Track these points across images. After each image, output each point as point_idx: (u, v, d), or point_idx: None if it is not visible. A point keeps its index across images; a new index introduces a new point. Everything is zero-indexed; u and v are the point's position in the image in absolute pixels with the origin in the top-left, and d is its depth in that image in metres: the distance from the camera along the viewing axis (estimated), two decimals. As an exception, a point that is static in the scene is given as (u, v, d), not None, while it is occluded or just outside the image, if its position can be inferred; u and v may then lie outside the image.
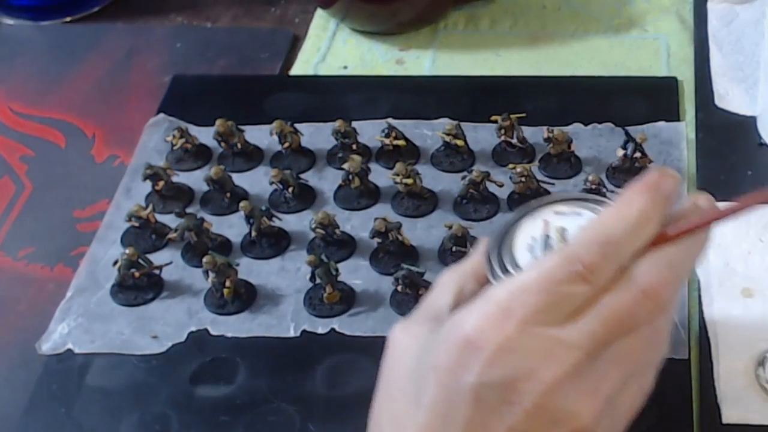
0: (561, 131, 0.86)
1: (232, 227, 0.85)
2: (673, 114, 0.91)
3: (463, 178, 0.84)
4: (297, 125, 0.90)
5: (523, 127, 0.88)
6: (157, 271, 0.81)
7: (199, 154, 0.91)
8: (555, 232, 0.64)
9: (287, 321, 0.78)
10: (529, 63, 0.99)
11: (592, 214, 0.65)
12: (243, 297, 0.80)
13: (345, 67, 1.01)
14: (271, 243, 0.83)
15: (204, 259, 0.78)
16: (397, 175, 0.84)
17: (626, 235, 0.55)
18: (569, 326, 0.53)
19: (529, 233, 0.64)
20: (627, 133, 0.85)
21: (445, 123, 0.89)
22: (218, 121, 0.90)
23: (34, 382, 0.76)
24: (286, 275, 0.81)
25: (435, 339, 0.55)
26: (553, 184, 0.85)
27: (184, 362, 0.76)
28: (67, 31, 1.09)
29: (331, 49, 1.03)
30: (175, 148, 0.91)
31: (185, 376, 0.76)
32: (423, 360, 0.55)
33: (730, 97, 0.91)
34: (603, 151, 0.88)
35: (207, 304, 0.80)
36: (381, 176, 0.87)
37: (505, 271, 0.62)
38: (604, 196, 0.82)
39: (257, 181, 0.89)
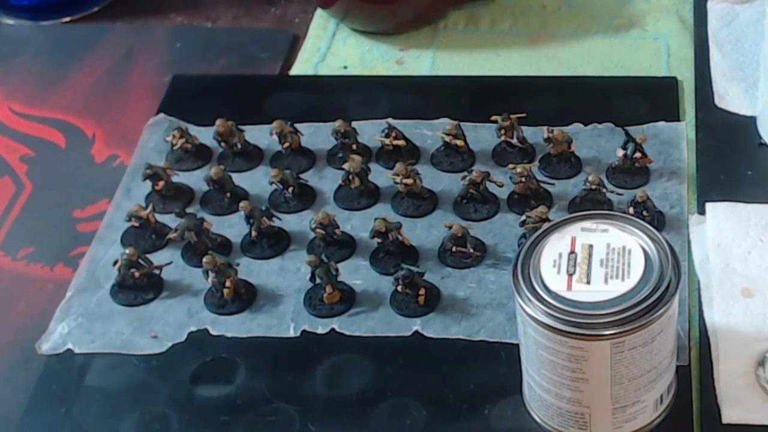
0: (561, 131, 0.86)
1: (232, 227, 0.85)
2: (673, 114, 0.91)
3: (463, 178, 0.84)
4: (297, 125, 0.90)
5: (523, 127, 0.88)
6: (157, 271, 0.81)
7: (199, 154, 0.91)
8: (582, 249, 0.64)
9: (287, 321, 0.78)
10: (529, 63, 0.99)
11: (619, 232, 0.65)
12: (243, 297, 0.80)
13: (345, 67, 1.01)
14: (271, 243, 0.83)
15: (204, 259, 0.78)
16: (397, 175, 0.84)
17: None
18: None
19: (556, 249, 0.64)
20: (627, 133, 0.85)
21: (445, 123, 0.89)
22: (218, 121, 0.89)
23: (34, 382, 0.76)
24: (286, 275, 0.81)
25: None
26: (553, 184, 0.85)
27: (184, 362, 0.76)
28: (66, 31, 1.09)
29: (331, 49, 1.03)
30: (175, 148, 0.91)
31: (185, 376, 0.76)
32: None
33: (730, 97, 0.91)
34: (603, 151, 0.88)
35: (207, 304, 0.80)
36: (381, 176, 0.87)
37: (531, 287, 0.63)
38: (605, 196, 0.82)
39: (257, 181, 0.89)
